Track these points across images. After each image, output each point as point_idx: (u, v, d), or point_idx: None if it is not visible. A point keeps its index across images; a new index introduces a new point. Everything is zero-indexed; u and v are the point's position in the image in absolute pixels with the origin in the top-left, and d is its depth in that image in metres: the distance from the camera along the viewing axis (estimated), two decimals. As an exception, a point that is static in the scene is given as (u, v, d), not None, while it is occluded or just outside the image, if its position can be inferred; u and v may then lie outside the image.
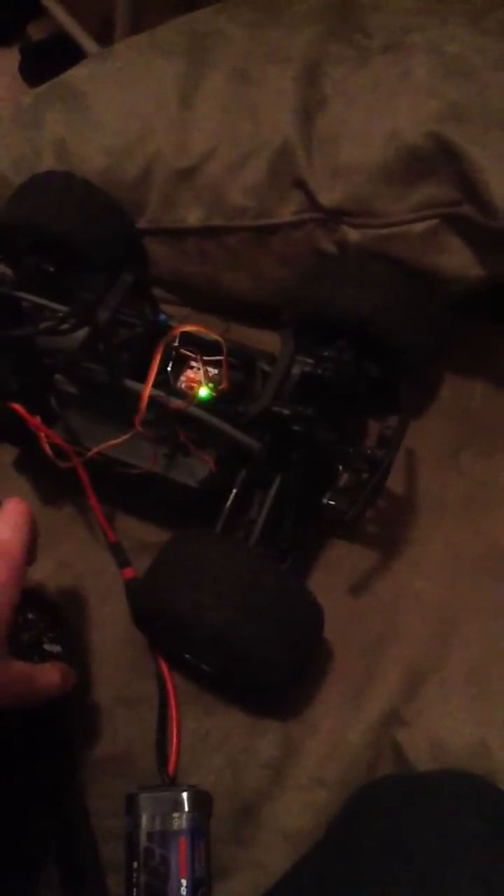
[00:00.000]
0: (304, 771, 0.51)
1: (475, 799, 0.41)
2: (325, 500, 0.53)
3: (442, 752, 0.50)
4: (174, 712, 0.52)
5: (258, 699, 0.52)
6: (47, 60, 1.25)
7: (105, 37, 1.26)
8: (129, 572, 0.56)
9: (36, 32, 1.32)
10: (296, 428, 0.50)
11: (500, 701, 0.52)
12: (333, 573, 0.56)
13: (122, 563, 0.56)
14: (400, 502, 0.59)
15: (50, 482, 0.60)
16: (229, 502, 0.53)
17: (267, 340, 0.63)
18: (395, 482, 0.59)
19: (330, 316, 0.57)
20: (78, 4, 1.21)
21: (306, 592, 0.50)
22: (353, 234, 0.59)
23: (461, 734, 0.51)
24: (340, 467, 0.54)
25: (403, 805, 0.42)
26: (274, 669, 0.48)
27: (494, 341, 0.66)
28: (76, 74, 0.71)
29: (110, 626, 0.55)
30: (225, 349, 0.53)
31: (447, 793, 0.42)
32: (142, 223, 0.66)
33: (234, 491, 0.54)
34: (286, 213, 0.61)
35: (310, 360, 0.54)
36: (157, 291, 0.69)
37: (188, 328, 0.54)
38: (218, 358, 0.54)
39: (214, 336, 0.54)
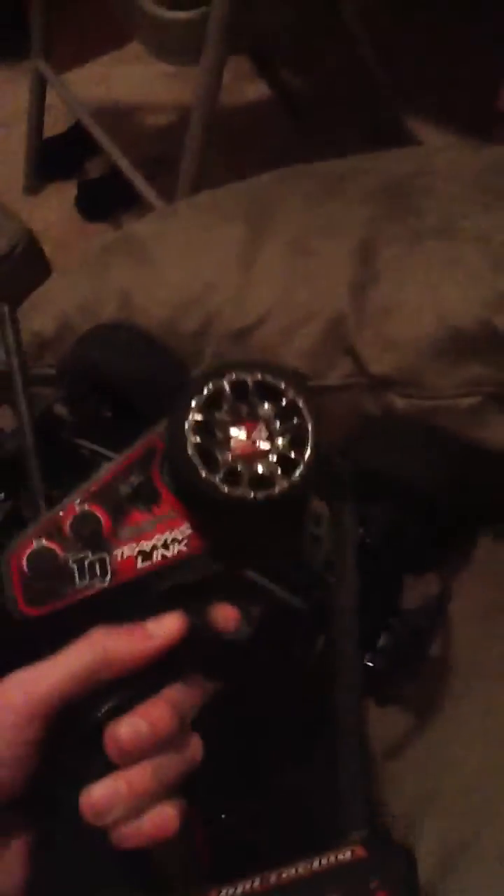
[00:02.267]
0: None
1: None
2: (365, 661, 0.54)
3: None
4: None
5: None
6: (102, 196, 1.35)
7: (155, 175, 1.35)
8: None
9: (93, 169, 1.43)
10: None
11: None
12: (365, 736, 0.57)
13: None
14: (434, 664, 0.60)
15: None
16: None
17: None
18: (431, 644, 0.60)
19: (376, 478, 0.59)
20: (131, 145, 1.30)
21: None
22: (399, 402, 0.62)
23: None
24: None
25: None
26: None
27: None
28: (142, 230, 0.76)
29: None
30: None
31: None
32: (196, 374, 0.69)
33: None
34: (335, 376, 0.64)
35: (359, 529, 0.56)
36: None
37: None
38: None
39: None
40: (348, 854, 0.36)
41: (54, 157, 1.42)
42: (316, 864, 0.36)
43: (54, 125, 1.48)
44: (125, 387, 0.64)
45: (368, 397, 0.64)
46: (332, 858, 0.36)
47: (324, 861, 0.36)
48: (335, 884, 0.35)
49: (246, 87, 1.64)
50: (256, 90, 1.61)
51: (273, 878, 0.36)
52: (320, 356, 0.64)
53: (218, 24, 1.02)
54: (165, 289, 0.70)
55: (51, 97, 1.34)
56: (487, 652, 0.61)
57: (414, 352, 0.61)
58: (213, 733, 0.39)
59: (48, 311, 0.74)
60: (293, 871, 0.36)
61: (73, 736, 0.37)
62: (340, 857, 0.36)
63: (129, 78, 1.71)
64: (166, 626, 0.38)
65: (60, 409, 0.66)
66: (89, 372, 0.65)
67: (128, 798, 0.36)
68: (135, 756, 0.36)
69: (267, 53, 1.51)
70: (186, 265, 0.70)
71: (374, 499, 0.59)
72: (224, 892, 0.36)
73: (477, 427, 0.59)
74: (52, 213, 1.43)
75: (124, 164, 1.23)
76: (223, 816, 0.49)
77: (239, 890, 0.36)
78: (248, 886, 0.36)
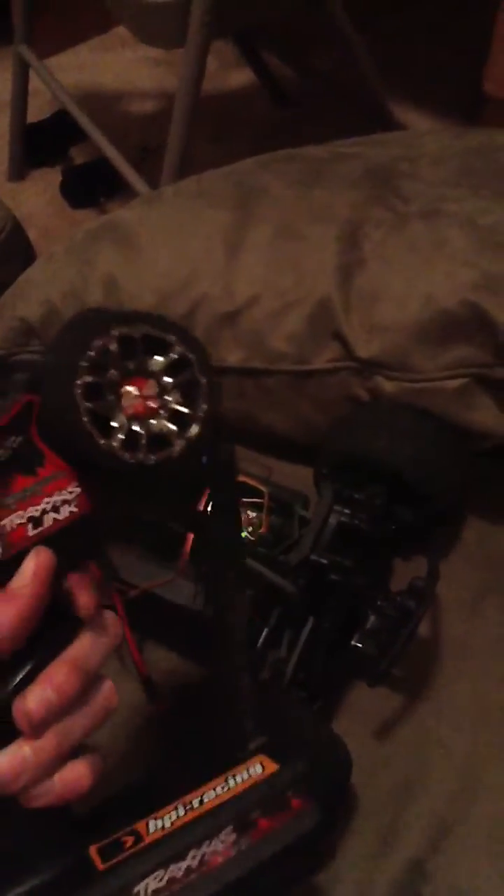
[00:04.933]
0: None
1: None
2: (353, 642, 0.54)
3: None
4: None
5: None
6: (87, 182, 1.34)
7: (141, 161, 1.34)
8: (161, 705, 0.56)
9: (78, 155, 1.41)
10: (333, 577, 0.52)
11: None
12: (357, 717, 0.57)
13: (152, 696, 0.57)
14: (424, 646, 0.60)
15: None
16: (261, 642, 0.55)
17: (302, 475, 0.65)
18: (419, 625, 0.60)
19: (365, 463, 0.60)
20: (116, 131, 1.29)
21: (337, 737, 0.51)
22: (386, 385, 0.62)
23: (483, 893, 0.51)
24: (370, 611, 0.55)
25: None
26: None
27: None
28: (127, 216, 0.75)
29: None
30: (267, 496, 0.56)
31: None
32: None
33: (266, 630, 0.55)
34: (323, 360, 0.64)
35: (346, 511, 0.56)
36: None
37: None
38: (257, 500, 0.56)
39: (257, 485, 0.57)
40: (259, 769, 0.39)
41: (39, 144, 1.41)
42: (232, 782, 0.38)
43: (39, 111, 1.46)
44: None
45: (356, 381, 0.64)
46: (246, 775, 0.39)
47: (238, 778, 0.38)
48: (254, 802, 0.37)
49: (231, 74, 1.62)
50: (241, 76, 1.60)
51: (196, 803, 0.38)
52: (307, 340, 0.64)
53: (202, 7, 1.02)
54: (152, 274, 0.69)
55: (36, 83, 1.33)
56: (476, 633, 0.61)
57: (401, 335, 0.61)
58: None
59: (33, 296, 0.73)
60: (213, 793, 0.38)
61: None
62: (253, 771, 0.39)
63: (114, 64, 1.69)
64: (27, 575, 0.34)
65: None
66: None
67: (35, 765, 0.35)
68: (47, 725, 0.35)
69: (252, 39, 1.50)
70: (173, 250, 0.70)
71: (362, 483, 0.59)
72: (152, 824, 0.37)
73: (464, 409, 0.60)
74: (37, 199, 1.42)
75: (109, 150, 1.22)
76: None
77: (167, 821, 0.37)
78: (175, 817, 0.37)
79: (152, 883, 0.35)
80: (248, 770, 0.39)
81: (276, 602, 0.56)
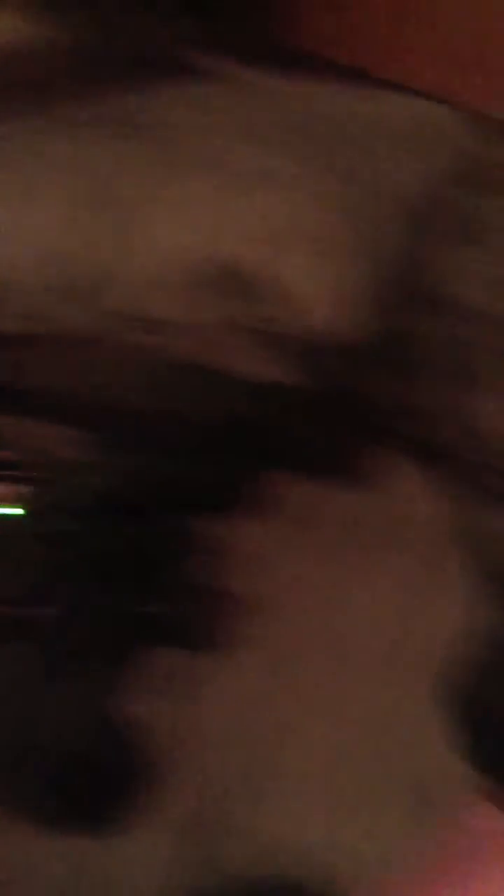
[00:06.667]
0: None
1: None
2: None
3: (273, 860, 0.51)
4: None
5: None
6: None
7: None
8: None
9: None
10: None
11: (346, 806, 0.52)
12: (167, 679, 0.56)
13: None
14: (229, 599, 0.59)
15: None
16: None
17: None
18: (221, 577, 0.60)
19: (154, 425, 0.58)
20: None
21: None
22: (161, 343, 0.60)
23: (302, 841, 0.51)
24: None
25: None
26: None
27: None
28: None
29: None
30: None
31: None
32: None
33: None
34: (97, 329, 0.62)
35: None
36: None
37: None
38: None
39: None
40: None
41: None
42: None
43: None
44: None
45: (134, 343, 0.62)
46: None
47: None
48: None
49: None
50: None
51: None
52: (73, 307, 0.61)
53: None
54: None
55: None
56: (298, 591, 0.61)
57: (168, 291, 0.58)
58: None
59: None
60: None
61: None
62: None
63: None
64: None
65: None
66: None
67: None
68: None
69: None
70: None
71: (142, 448, 0.57)
72: None
73: (238, 361, 0.58)
74: None
75: None
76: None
77: None
78: None
79: None
80: None
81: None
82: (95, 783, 0.41)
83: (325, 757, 0.51)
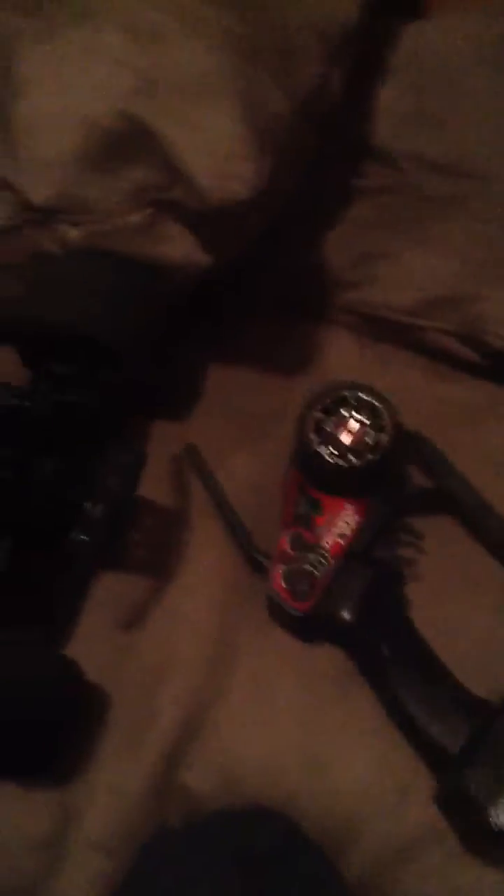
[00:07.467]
0: (86, 839, 0.46)
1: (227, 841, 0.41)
2: (73, 537, 0.48)
3: (234, 783, 0.47)
4: None
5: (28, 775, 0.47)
6: None
7: None
8: None
9: None
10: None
11: (289, 718, 0.48)
12: (101, 610, 0.51)
13: None
14: (168, 516, 0.54)
15: None
16: None
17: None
18: (161, 493, 0.54)
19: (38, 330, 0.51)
20: None
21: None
22: (72, 233, 0.53)
23: (253, 761, 0.47)
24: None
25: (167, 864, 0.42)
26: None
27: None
28: None
29: None
30: None
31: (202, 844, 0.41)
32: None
33: None
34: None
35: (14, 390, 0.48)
36: None
37: None
38: None
39: None
40: None
41: None
42: None
43: None
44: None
45: (42, 234, 0.55)
46: None
47: None
48: None
49: None
50: None
51: None
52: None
53: None
54: None
55: None
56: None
57: (68, 168, 0.51)
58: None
59: None
60: None
61: None
62: None
63: None
64: None
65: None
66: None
67: None
68: None
69: None
70: None
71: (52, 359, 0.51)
72: None
73: (154, 243, 0.51)
74: None
75: None
76: None
77: None
78: None
79: None
80: None
81: None
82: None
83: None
